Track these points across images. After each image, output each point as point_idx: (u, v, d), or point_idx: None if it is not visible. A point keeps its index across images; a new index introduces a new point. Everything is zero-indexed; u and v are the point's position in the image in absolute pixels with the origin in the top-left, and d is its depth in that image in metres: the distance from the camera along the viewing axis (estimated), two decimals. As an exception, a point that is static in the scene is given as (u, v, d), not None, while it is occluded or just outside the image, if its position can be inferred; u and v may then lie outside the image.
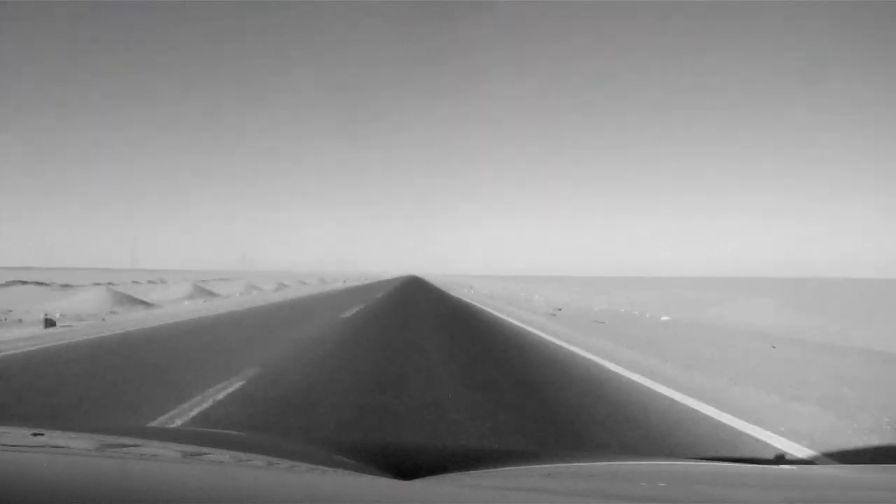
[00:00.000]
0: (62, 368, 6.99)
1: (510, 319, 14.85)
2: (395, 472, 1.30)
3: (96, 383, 6.02)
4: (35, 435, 1.49)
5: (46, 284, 42.69)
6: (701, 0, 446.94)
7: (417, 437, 4.07)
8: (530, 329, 12.21)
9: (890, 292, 39.83)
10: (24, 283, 44.50)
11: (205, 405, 4.88)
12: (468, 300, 25.35)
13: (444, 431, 4.18)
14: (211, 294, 29.95)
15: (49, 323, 12.09)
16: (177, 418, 4.47)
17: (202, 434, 2.77)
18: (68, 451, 1.48)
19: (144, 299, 23.00)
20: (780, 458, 3.56)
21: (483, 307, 20.12)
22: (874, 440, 4.00)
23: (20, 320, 13.43)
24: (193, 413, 4.63)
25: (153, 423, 4.37)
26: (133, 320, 13.97)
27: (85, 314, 16.15)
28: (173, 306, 20.63)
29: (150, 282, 56.03)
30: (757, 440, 4.02)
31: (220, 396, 5.20)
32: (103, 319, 14.42)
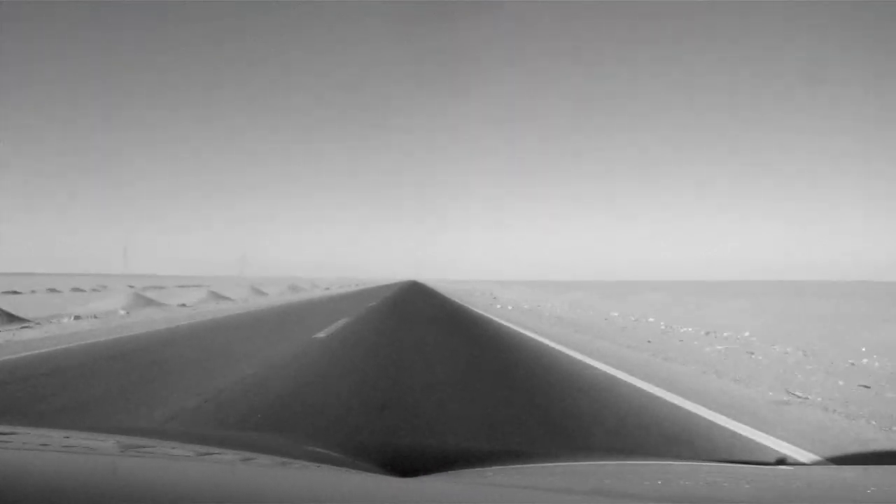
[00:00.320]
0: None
1: None
2: (396, 470, 1.30)
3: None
4: (41, 435, 1.49)
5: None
6: (701, 0, 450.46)
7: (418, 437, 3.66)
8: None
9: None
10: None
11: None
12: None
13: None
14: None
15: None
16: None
17: (204, 434, 2.79)
18: (73, 450, 1.48)
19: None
20: (780, 459, 3.56)
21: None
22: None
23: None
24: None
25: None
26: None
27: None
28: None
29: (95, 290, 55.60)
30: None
31: None
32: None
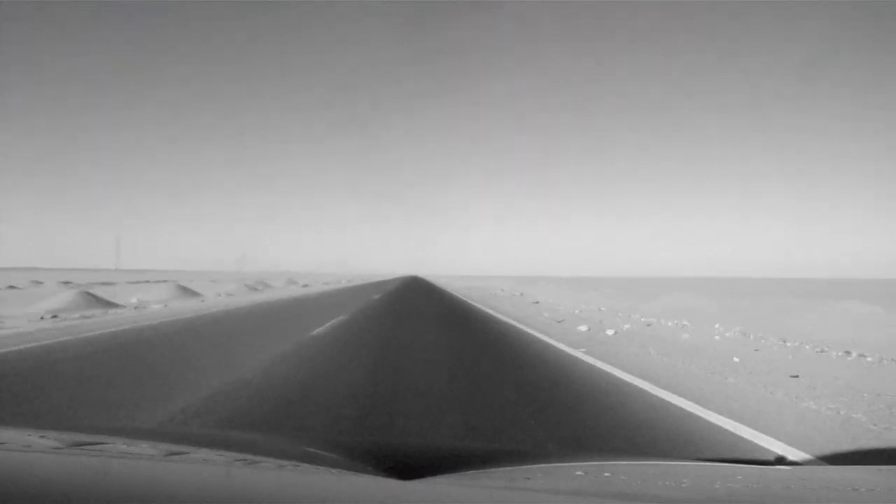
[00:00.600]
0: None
1: None
2: (395, 471, 1.30)
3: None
4: (38, 436, 1.48)
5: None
6: (702, 0, 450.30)
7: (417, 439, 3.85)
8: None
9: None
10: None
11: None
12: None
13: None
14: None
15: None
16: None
17: (204, 434, 2.77)
18: (72, 450, 1.49)
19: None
20: (780, 459, 3.56)
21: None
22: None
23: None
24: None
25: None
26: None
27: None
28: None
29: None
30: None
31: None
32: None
